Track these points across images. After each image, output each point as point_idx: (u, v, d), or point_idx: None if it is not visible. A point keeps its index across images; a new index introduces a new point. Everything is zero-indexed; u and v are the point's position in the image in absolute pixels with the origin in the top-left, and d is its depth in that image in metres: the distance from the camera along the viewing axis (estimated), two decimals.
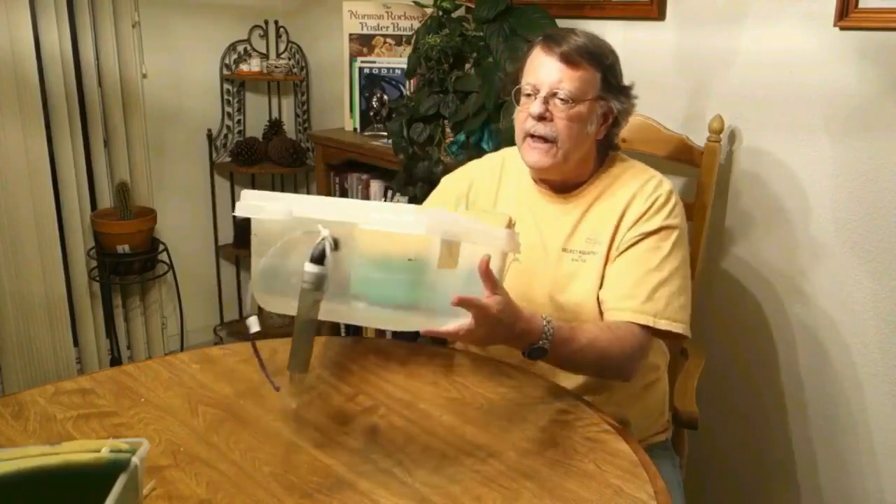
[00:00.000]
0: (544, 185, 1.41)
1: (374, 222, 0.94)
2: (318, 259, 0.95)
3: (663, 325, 1.26)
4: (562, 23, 1.89)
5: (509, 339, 1.11)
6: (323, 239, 0.95)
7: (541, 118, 1.30)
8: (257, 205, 1.03)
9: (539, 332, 1.13)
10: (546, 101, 1.29)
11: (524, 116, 1.32)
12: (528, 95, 1.32)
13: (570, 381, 1.33)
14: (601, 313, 1.31)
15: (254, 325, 1.01)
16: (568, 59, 1.28)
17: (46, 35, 2.41)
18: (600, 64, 1.30)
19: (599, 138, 1.36)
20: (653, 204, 1.32)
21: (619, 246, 1.32)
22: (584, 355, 1.20)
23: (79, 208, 2.60)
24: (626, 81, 1.37)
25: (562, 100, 1.28)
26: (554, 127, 1.30)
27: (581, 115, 1.29)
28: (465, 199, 1.47)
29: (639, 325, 1.26)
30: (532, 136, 1.31)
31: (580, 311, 1.33)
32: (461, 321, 1.03)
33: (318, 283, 0.95)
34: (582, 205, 1.37)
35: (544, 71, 1.30)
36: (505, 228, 1.08)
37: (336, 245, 0.96)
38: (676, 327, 1.28)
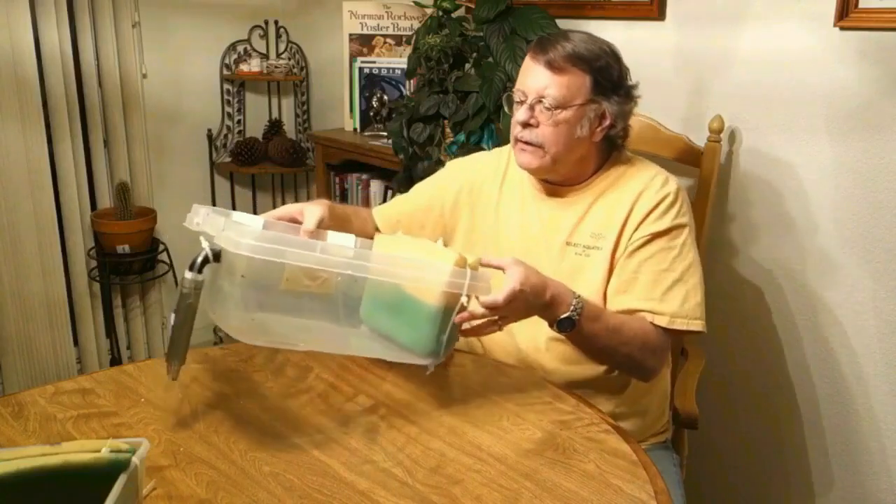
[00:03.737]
0: (545, 182, 1.41)
1: (232, 245, 1.00)
2: (194, 267, 1.03)
3: (679, 324, 1.28)
4: (562, 23, 1.89)
5: (538, 308, 1.16)
6: (203, 250, 1.03)
7: (526, 125, 1.32)
8: (190, 217, 1.10)
9: (568, 301, 1.17)
10: (532, 107, 1.31)
11: (514, 121, 1.35)
12: (520, 102, 1.34)
13: (568, 378, 1.33)
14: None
15: (171, 320, 1.11)
16: (553, 66, 1.29)
17: (46, 35, 2.41)
18: (589, 67, 1.30)
19: (597, 140, 1.36)
20: (660, 202, 1.32)
21: (627, 245, 1.32)
22: (610, 338, 1.24)
23: (79, 208, 2.60)
24: (632, 80, 1.37)
25: (547, 107, 1.29)
26: (540, 133, 1.31)
27: (568, 121, 1.30)
28: (457, 201, 1.48)
29: (656, 325, 1.28)
30: (520, 140, 1.34)
31: None
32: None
33: (194, 289, 1.04)
34: (586, 199, 1.37)
35: (531, 77, 1.32)
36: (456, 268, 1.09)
37: (217, 257, 1.03)
38: (693, 325, 1.29)
